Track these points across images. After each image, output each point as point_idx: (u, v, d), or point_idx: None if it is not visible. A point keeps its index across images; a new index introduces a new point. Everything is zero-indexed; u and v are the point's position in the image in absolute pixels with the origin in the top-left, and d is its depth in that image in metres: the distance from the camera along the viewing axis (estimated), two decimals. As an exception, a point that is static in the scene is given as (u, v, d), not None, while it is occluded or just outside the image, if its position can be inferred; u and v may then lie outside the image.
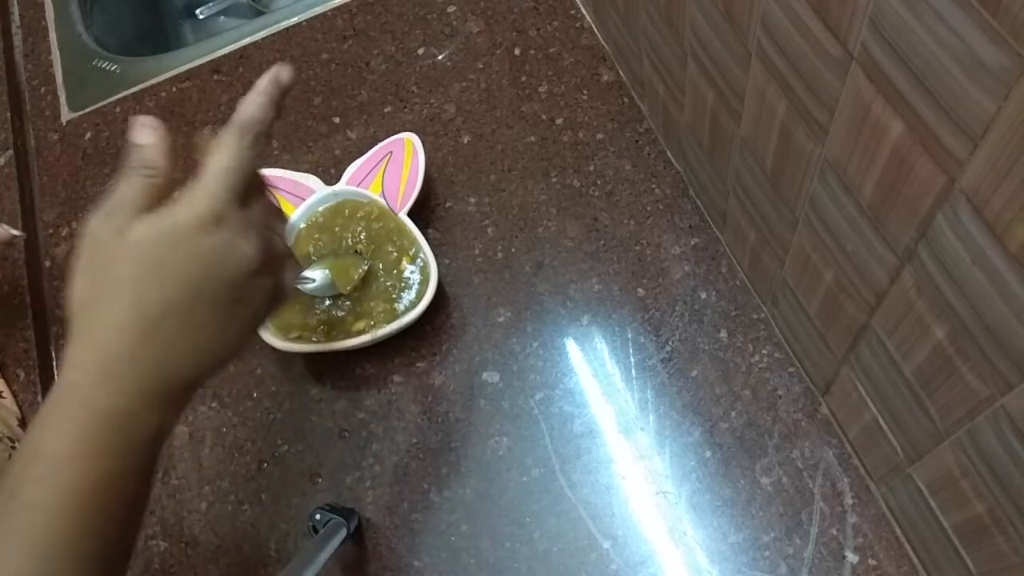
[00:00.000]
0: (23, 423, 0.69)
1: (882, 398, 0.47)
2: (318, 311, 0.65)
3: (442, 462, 0.62)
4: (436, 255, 0.65)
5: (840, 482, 0.56)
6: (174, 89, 0.84)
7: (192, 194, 0.40)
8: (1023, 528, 0.37)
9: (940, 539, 0.47)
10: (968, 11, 0.26)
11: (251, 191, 0.43)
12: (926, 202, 0.33)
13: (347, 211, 0.69)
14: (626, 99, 0.74)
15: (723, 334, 0.62)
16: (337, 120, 0.78)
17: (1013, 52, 0.25)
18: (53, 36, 0.91)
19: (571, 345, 0.64)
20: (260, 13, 1.02)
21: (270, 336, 0.63)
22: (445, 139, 0.75)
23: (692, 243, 0.66)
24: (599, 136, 0.72)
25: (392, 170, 0.69)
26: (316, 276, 0.63)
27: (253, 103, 0.43)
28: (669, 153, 0.70)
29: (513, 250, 0.69)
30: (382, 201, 0.68)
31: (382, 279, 0.66)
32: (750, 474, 0.57)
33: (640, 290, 0.65)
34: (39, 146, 0.84)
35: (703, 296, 0.64)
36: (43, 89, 0.87)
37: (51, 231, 0.79)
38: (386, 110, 0.78)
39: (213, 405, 0.67)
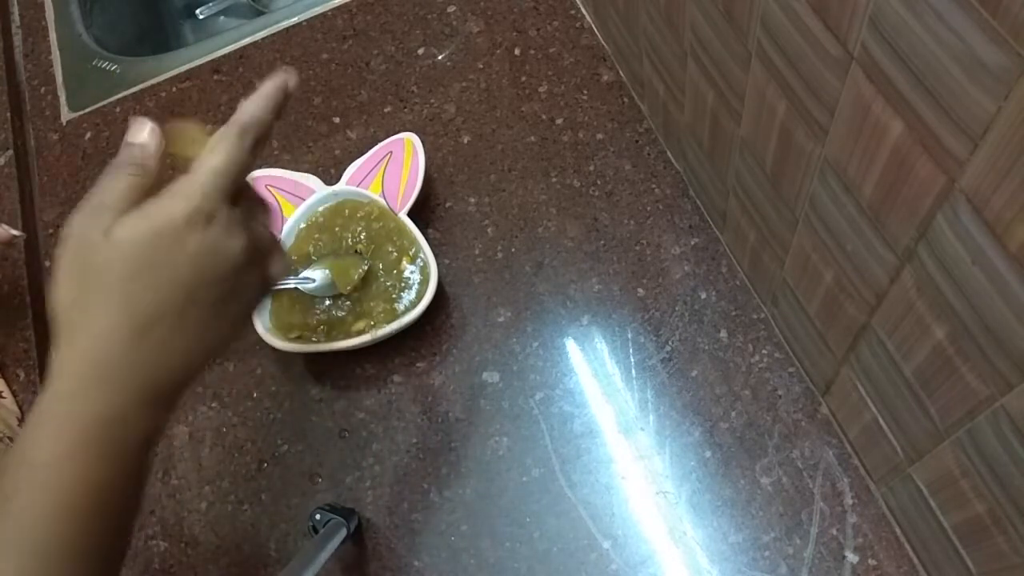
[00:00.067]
0: (23, 423, 0.69)
1: (882, 398, 0.47)
2: (318, 311, 0.65)
3: (442, 462, 0.62)
4: (436, 255, 0.65)
5: (840, 482, 0.56)
6: (174, 89, 0.84)
7: (183, 190, 0.39)
8: (1023, 528, 0.37)
9: (940, 539, 0.47)
10: (968, 11, 0.26)
11: (240, 190, 0.42)
12: (926, 202, 0.33)
13: (347, 211, 0.69)
14: (626, 99, 0.74)
15: (723, 334, 0.62)
16: (337, 120, 0.78)
17: (1013, 52, 0.25)
18: (53, 36, 0.91)
19: (571, 345, 0.64)
20: (260, 13, 1.02)
21: (270, 336, 0.63)
22: (445, 139, 0.75)
23: (692, 243, 0.66)
24: (599, 136, 0.72)
25: (392, 170, 0.69)
26: (316, 276, 0.64)
27: (256, 105, 0.42)
28: (669, 153, 0.70)
29: (513, 250, 0.69)
30: (382, 201, 0.68)
31: (382, 279, 0.66)
32: (750, 474, 0.57)
33: (640, 290, 0.65)
34: (39, 146, 0.84)
35: (703, 296, 0.64)
36: (43, 89, 0.87)
37: (51, 231, 0.79)
38: (386, 110, 0.78)
39: (213, 405, 0.67)
